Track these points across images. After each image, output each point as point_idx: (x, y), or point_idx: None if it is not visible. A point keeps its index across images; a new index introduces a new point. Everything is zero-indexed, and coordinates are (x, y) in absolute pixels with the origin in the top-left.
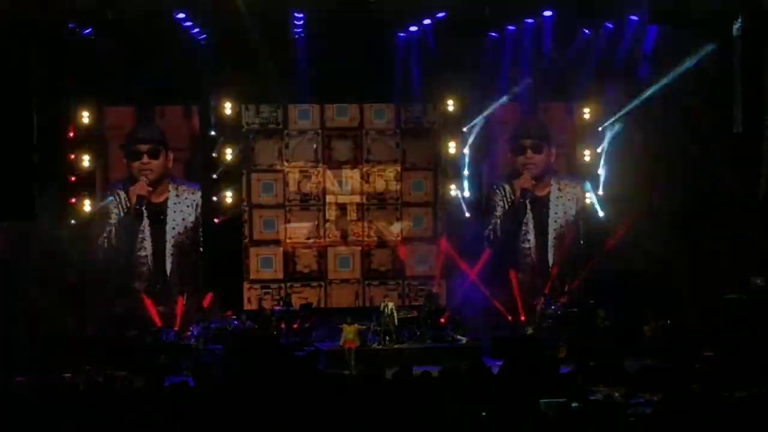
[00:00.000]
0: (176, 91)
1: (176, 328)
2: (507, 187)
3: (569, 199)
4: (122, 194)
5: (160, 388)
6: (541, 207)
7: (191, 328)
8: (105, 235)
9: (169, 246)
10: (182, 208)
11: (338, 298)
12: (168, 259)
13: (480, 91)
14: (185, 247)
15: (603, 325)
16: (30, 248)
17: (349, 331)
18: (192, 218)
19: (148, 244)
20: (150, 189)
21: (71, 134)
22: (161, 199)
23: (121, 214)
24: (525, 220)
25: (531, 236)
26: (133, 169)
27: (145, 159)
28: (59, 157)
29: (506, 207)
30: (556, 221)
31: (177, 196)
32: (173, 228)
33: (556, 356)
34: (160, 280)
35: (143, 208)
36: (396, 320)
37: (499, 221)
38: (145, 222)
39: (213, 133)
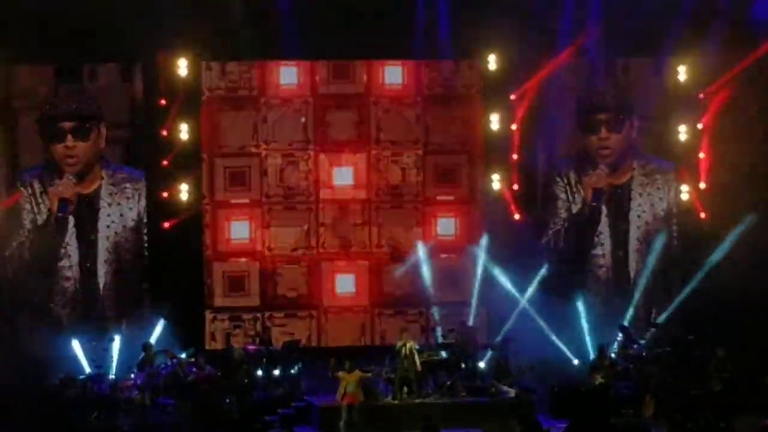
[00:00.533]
0: (111, 44)
1: (112, 376)
2: (572, 176)
3: (658, 191)
4: (38, 188)
5: None
6: (620, 201)
7: (133, 375)
8: (14, 245)
9: (101, 253)
10: (120, 200)
11: (337, 334)
12: (100, 270)
13: (533, 44)
14: (124, 255)
15: (716, 374)
16: None
17: (349, 381)
18: (133, 216)
19: (73, 251)
20: (77, 189)
21: None
22: (90, 190)
23: (37, 218)
24: (597, 226)
25: (605, 240)
26: (54, 153)
27: (70, 141)
28: None
29: (571, 205)
30: (640, 218)
31: (113, 185)
32: (107, 227)
33: (640, 415)
34: (90, 303)
35: (68, 214)
36: (418, 364)
37: (562, 227)
38: (70, 222)
39: (162, 102)
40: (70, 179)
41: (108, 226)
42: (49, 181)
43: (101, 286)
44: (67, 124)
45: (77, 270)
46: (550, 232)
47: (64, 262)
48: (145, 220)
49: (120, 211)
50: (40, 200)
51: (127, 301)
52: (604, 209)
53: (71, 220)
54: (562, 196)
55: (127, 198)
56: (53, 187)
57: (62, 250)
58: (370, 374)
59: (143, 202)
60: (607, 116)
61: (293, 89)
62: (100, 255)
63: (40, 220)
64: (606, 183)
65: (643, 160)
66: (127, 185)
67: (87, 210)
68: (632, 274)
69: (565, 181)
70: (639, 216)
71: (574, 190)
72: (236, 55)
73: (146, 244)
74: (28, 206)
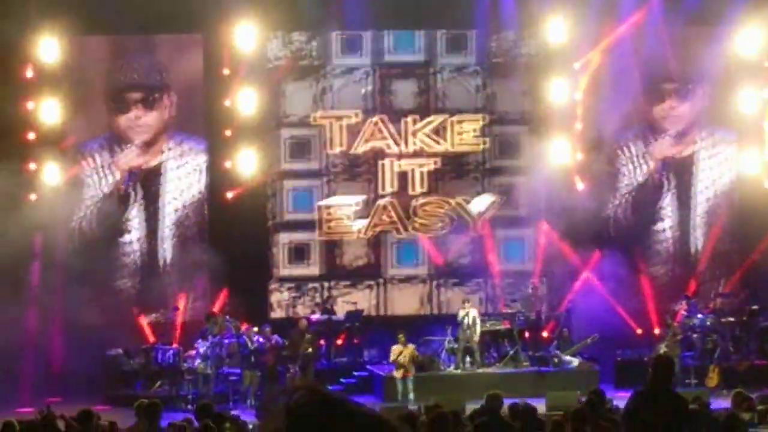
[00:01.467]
0: (176, 15)
1: (176, 345)
2: (635, 148)
3: (722, 163)
4: (102, 160)
5: (153, 429)
6: (684, 172)
7: (196, 345)
8: (78, 216)
9: (165, 227)
10: (183, 174)
11: (399, 304)
12: (164, 245)
13: (597, 13)
14: (187, 226)
15: None
16: None
17: (403, 355)
18: (197, 188)
19: (136, 224)
20: (144, 158)
21: (28, 74)
22: (155, 163)
23: (102, 189)
24: (661, 198)
25: (669, 213)
26: (120, 124)
27: (136, 112)
28: (10, 107)
29: (635, 175)
30: (705, 190)
31: (177, 158)
32: (170, 202)
33: (705, 386)
34: (153, 276)
35: (133, 185)
36: (479, 334)
37: (625, 197)
38: (135, 194)
39: (226, 71)
40: (135, 150)
41: (174, 199)
42: (114, 152)
43: (165, 258)
44: (134, 95)
45: (142, 243)
46: (614, 203)
47: (128, 237)
48: (207, 192)
49: (184, 183)
50: (104, 172)
51: (190, 272)
52: (668, 180)
53: (136, 192)
54: (627, 166)
55: (192, 170)
56: (118, 158)
57: (126, 223)
58: (422, 357)
59: (207, 174)
60: (673, 85)
61: (356, 59)
62: (163, 227)
63: (105, 191)
64: (671, 153)
65: (708, 131)
66: (192, 157)
67: (151, 182)
68: (696, 245)
69: (630, 152)
70: (706, 187)
71: (639, 162)
72: (300, 25)
73: (209, 215)
74: (92, 178)
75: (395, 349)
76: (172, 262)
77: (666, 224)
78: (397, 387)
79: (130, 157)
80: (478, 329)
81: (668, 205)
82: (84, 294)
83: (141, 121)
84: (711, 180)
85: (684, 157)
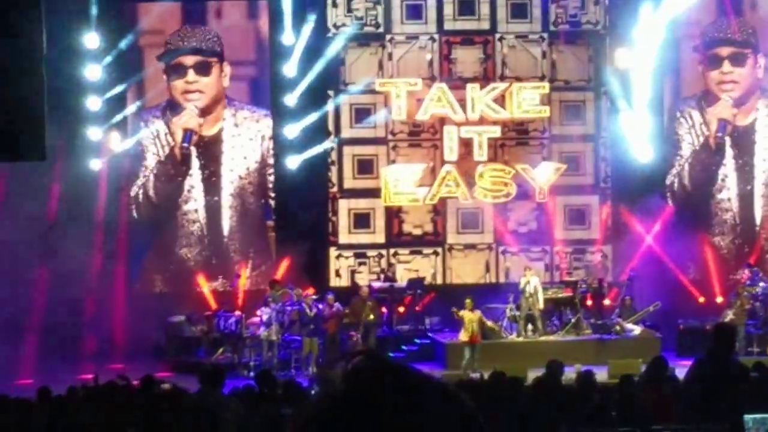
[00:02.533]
0: None
1: (238, 313)
2: (696, 116)
3: None
4: (161, 127)
5: (216, 396)
6: (745, 141)
7: (259, 312)
8: (139, 184)
9: (226, 196)
10: (243, 142)
11: (461, 271)
12: (225, 214)
13: None
14: (248, 197)
15: None
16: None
17: (471, 320)
18: (257, 156)
19: (197, 194)
20: (201, 120)
21: (90, 45)
22: (214, 131)
23: (161, 155)
24: (723, 162)
25: (731, 183)
26: (176, 89)
27: (192, 76)
28: (73, 77)
29: (696, 144)
30: (766, 161)
31: (236, 126)
32: (231, 170)
33: (767, 354)
34: (215, 245)
35: (191, 146)
36: (541, 302)
37: (686, 164)
38: (194, 164)
39: (289, 39)
40: (193, 110)
41: (232, 170)
42: (171, 119)
43: (227, 226)
44: (189, 60)
45: (203, 213)
46: (674, 171)
47: (190, 205)
48: (270, 160)
49: (244, 152)
50: (163, 141)
51: (252, 240)
52: (728, 150)
53: (193, 151)
54: (686, 135)
55: (251, 138)
56: (177, 118)
57: (186, 192)
58: (490, 322)
59: (267, 142)
60: (731, 51)
61: (419, 26)
62: (224, 195)
63: (163, 156)
64: (730, 115)
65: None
66: (251, 125)
67: (211, 151)
68: (758, 215)
69: (689, 121)
70: (765, 158)
71: (699, 131)
72: None
73: (271, 184)
74: (152, 147)
75: (463, 315)
76: (233, 231)
77: (728, 194)
78: (464, 354)
79: (188, 117)
80: (541, 297)
81: (730, 174)
82: (147, 262)
83: (195, 86)
84: None
85: (744, 126)
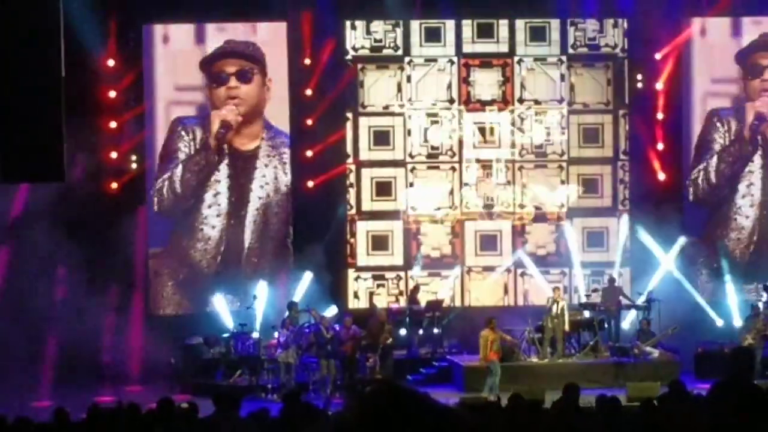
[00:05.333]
0: (260, 3)
1: (256, 335)
2: (733, 122)
3: None
4: (199, 134)
5: (233, 418)
6: None
7: (276, 334)
8: (167, 176)
9: (251, 211)
10: (276, 163)
11: (480, 294)
12: (247, 229)
13: (677, 2)
14: (272, 215)
15: None
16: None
17: (495, 340)
18: (286, 179)
19: (224, 200)
20: (240, 118)
21: (108, 66)
22: (251, 146)
23: (192, 148)
24: (752, 159)
25: (756, 190)
26: (217, 99)
27: (233, 82)
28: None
29: (727, 141)
30: None
31: (271, 147)
32: (261, 187)
33: None
34: (232, 259)
35: (225, 144)
36: (566, 324)
37: (715, 156)
38: (224, 171)
39: (306, 61)
40: (233, 108)
41: (262, 187)
42: (210, 113)
43: (247, 242)
44: (230, 67)
45: (225, 223)
46: (700, 167)
47: (210, 210)
48: (291, 180)
49: (275, 173)
50: (198, 135)
51: (270, 259)
52: (759, 153)
53: (226, 150)
54: (720, 138)
55: (283, 162)
56: (216, 110)
57: (212, 196)
58: (510, 338)
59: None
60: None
61: (438, 48)
62: (249, 214)
63: (195, 148)
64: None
65: None
66: (285, 149)
67: (244, 165)
68: None
69: (726, 126)
70: None
71: (735, 130)
72: (381, 14)
73: (292, 204)
74: (183, 145)
75: (485, 335)
76: (252, 248)
77: (751, 201)
78: (492, 372)
79: (225, 113)
80: (566, 318)
81: (755, 181)
82: (164, 281)
83: (236, 92)
84: None
85: None
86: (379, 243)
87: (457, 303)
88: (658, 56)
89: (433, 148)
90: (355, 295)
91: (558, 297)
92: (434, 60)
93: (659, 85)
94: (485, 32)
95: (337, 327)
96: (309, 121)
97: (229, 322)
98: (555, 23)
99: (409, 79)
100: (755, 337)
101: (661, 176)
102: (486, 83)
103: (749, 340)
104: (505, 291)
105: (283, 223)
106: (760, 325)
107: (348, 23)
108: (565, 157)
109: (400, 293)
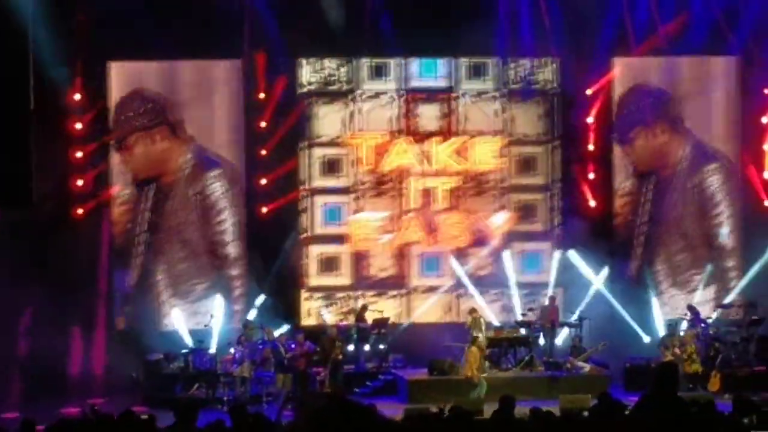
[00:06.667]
0: (211, 41)
1: (212, 351)
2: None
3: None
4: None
5: (190, 429)
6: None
7: (232, 350)
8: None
9: (207, 235)
10: (223, 190)
11: (423, 312)
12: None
13: (608, 41)
14: (227, 242)
15: None
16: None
17: (482, 356)
18: (234, 205)
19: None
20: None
21: (74, 100)
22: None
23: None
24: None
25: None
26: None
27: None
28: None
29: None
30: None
31: (220, 177)
32: (219, 213)
33: (707, 389)
34: (192, 277)
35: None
36: (484, 338)
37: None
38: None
39: (260, 96)
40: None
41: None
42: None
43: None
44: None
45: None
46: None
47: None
48: (244, 207)
49: (223, 203)
50: None
51: (226, 282)
52: None
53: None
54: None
55: (228, 189)
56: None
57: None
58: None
59: (240, 194)
60: None
61: (384, 84)
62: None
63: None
64: None
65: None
66: (224, 180)
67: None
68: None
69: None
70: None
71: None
72: (330, 52)
73: (246, 230)
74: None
75: (474, 351)
76: (208, 272)
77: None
78: (482, 386)
79: None
80: (483, 330)
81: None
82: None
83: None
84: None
85: None
86: (329, 265)
87: (402, 321)
88: (588, 92)
89: (379, 176)
90: (308, 313)
91: (478, 315)
92: (382, 93)
93: (590, 119)
94: (428, 69)
95: (290, 343)
96: (263, 152)
97: (187, 338)
98: (493, 61)
99: (356, 112)
100: (674, 354)
101: (592, 203)
102: (429, 116)
103: (668, 356)
104: (449, 308)
105: (237, 246)
106: (676, 343)
107: (299, 60)
108: (503, 185)
109: (349, 311)
